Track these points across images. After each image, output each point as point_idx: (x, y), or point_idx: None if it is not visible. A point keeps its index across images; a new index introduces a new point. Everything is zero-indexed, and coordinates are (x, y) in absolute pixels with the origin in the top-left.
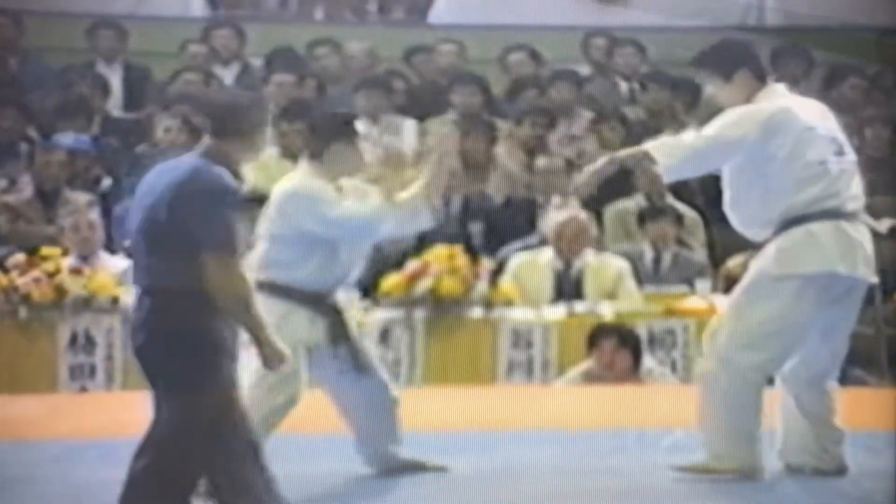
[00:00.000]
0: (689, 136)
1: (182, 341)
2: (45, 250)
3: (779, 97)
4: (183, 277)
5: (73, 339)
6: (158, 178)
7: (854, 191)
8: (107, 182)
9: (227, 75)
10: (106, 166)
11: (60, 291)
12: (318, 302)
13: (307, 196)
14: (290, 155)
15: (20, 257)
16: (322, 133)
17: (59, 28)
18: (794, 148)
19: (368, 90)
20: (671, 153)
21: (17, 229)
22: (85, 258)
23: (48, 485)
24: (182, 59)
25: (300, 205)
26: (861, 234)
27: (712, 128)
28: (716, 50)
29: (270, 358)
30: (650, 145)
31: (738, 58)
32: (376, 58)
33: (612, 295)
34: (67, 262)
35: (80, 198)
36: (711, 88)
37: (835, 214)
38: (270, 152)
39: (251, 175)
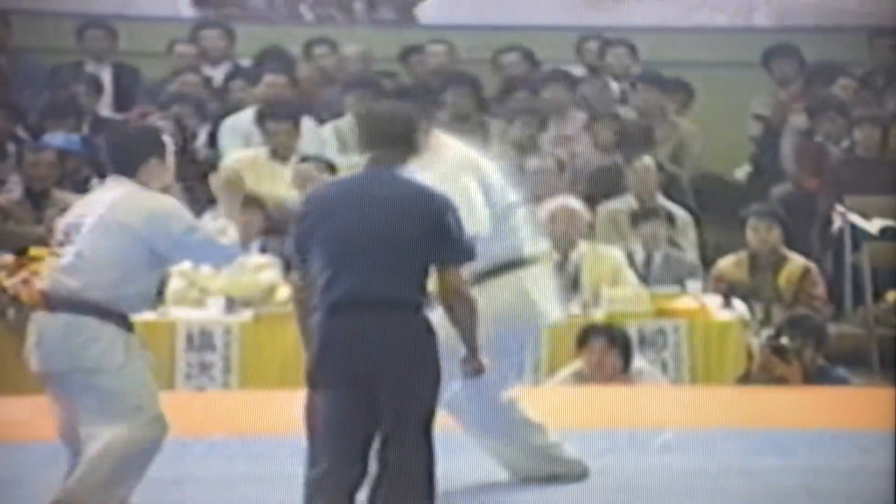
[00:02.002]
0: None
1: (421, 356)
2: (34, 251)
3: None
4: (413, 289)
5: None
6: (370, 191)
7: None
8: (96, 182)
9: (217, 75)
10: (95, 166)
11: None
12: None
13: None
14: (280, 156)
15: (8, 258)
16: (137, 149)
17: (47, 27)
18: None
19: (359, 91)
20: None
21: (5, 230)
22: None
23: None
24: (171, 60)
25: (159, 224)
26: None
27: None
28: None
29: (478, 367)
30: None
31: None
32: (368, 58)
33: (611, 285)
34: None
35: (70, 198)
36: None
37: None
38: (260, 152)
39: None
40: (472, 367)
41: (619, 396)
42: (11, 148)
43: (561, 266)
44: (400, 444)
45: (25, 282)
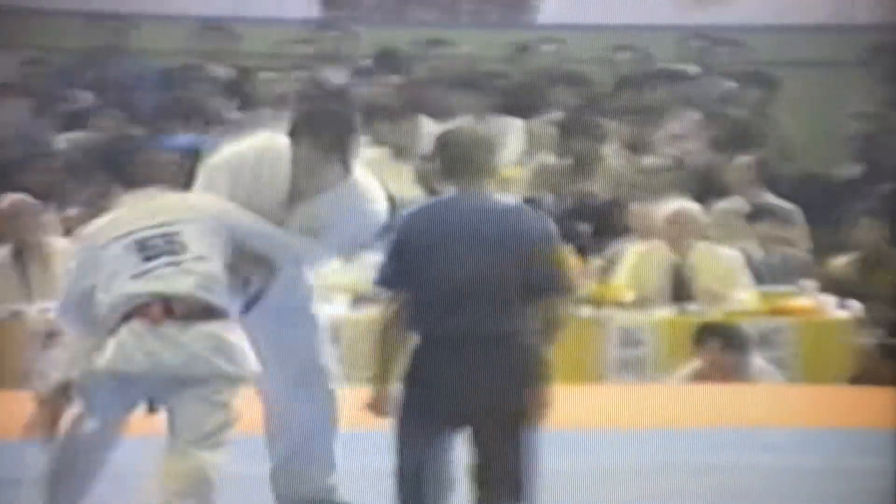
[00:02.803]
0: None
1: (532, 382)
2: None
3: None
4: (515, 320)
5: None
6: (468, 218)
7: None
8: None
9: (337, 77)
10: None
11: None
12: None
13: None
14: (403, 155)
15: None
16: None
17: (166, 30)
18: None
19: (470, 90)
20: None
21: None
22: None
23: None
24: (292, 61)
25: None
26: None
27: None
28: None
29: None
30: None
31: None
32: (480, 58)
33: (726, 287)
34: None
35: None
36: None
37: None
38: (382, 153)
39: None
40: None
41: (737, 395)
42: (127, 146)
43: (678, 267)
44: (488, 475)
45: None
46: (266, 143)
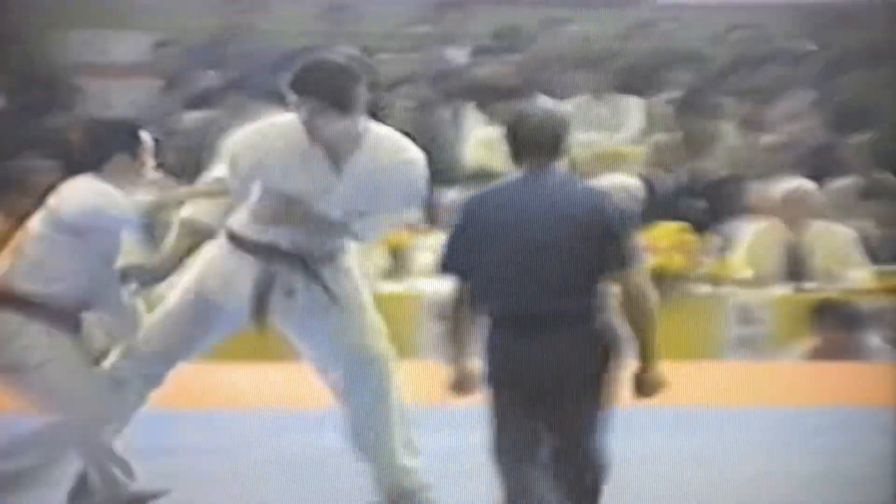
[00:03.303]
0: None
1: (591, 369)
2: None
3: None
4: (587, 299)
5: None
6: (536, 198)
7: None
8: None
9: (459, 56)
10: None
11: None
12: None
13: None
14: None
15: None
16: (103, 143)
17: (293, 11)
18: None
19: (588, 69)
20: None
21: None
22: None
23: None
24: (412, 41)
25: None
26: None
27: None
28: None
29: (657, 380)
30: None
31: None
32: (597, 36)
33: (842, 265)
34: None
35: None
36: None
37: None
38: (493, 131)
39: (474, 153)
40: (649, 381)
41: (852, 373)
42: None
43: (794, 245)
44: (566, 457)
45: None
46: (288, 118)
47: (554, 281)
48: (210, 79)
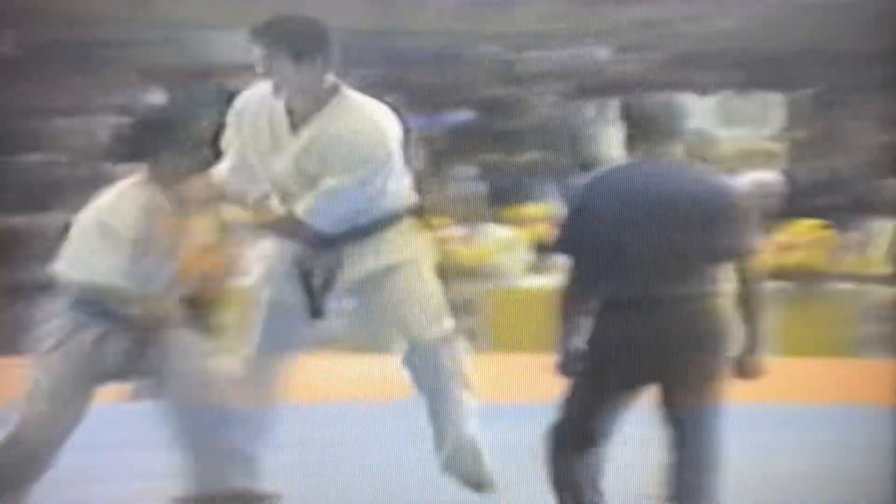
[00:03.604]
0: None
1: (709, 351)
2: (435, 220)
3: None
4: (704, 283)
5: (468, 305)
6: (653, 183)
7: None
8: (491, 156)
9: (603, 52)
10: (490, 140)
11: (449, 259)
12: None
13: None
14: None
15: None
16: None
17: (445, 8)
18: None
19: (729, 65)
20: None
21: None
22: (472, 227)
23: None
24: (557, 39)
25: None
26: None
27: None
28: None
29: (757, 368)
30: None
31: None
32: (737, 32)
33: None
34: (456, 231)
35: (467, 170)
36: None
37: None
38: None
39: (616, 149)
40: (752, 367)
41: None
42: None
43: None
44: (688, 435)
45: None
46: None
47: (668, 264)
48: (358, 78)
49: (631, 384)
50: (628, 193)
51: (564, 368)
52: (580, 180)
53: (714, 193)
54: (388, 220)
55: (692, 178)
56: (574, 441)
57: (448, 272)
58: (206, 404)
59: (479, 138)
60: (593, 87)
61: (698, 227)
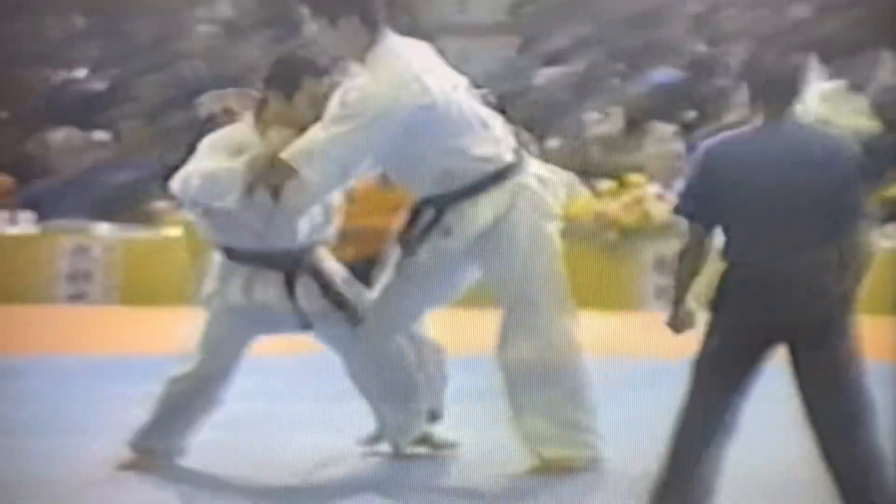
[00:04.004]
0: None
1: (839, 315)
2: (632, 177)
3: (395, 56)
4: (832, 249)
5: (659, 262)
6: (782, 144)
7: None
8: (690, 114)
9: (803, 10)
10: (691, 100)
11: (646, 216)
12: None
13: None
14: (857, 88)
15: (610, 184)
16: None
17: None
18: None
19: None
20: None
21: (608, 158)
22: (667, 185)
23: (635, 400)
24: None
25: None
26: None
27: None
28: None
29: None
30: (286, 153)
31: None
32: None
33: None
34: (652, 189)
35: (666, 129)
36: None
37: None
38: (839, 85)
39: (815, 107)
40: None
41: None
42: (614, 83)
43: None
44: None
45: (626, 206)
46: None
47: (793, 230)
48: (564, 38)
49: (756, 344)
50: (754, 156)
51: (676, 325)
52: (707, 143)
53: (834, 156)
54: (482, 183)
55: (815, 141)
56: (700, 404)
57: (645, 229)
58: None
59: (680, 97)
60: (792, 46)
61: (821, 190)
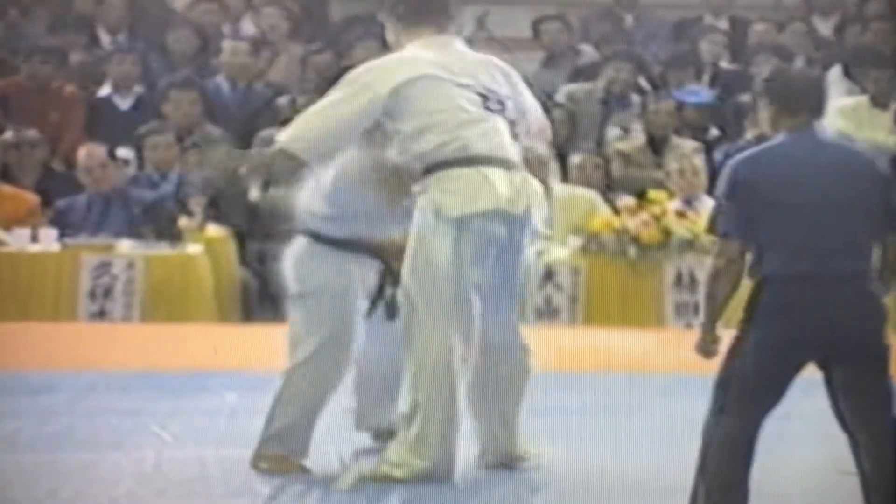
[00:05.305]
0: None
1: (876, 330)
2: (653, 194)
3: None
4: (865, 261)
5: (678, 278)
6: (813, 157)
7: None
8: (713, 132)
9: (825, 26)
10: (713, 116)
11: (666, 233)
12: None
13: None
14: (879, 103)
15: (630, 200)
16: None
17: None
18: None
19: None
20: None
21: (628, 174)
22: (689, 202)
23: (655, 415)
24: (787, 12)
25: None
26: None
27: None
28: None
29: None
30: (281, 136)
31: None
32: None
33: None
34: (673, 205)
35: (688, 144)
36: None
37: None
38: (862, 100)
39: (838, 121)
40: None
41: None
42: (636, 98)
43: None
44: (865, 416)
45: (646, 222)
46: None
47: (831, 241)
48: (591, 53)
49: (795, 360)
50: (786, 169)
51: (705, 350)
52: (736, 159)
53: (867, 168)
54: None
55: (844, 154)
56: (735, 424)
57: (665, 246)
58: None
59: (706, 112)
60: (816, 60)
61: (857, 201)
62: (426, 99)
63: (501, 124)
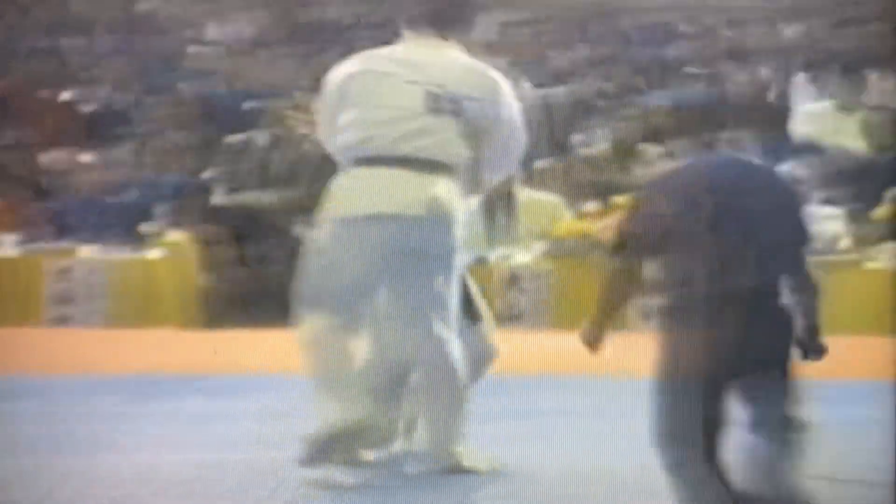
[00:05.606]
0: None
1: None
2: (618, 199)
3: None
4: (776, 277)
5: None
6: (741, 177)
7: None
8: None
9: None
10: (680, 121)
11: None
12: None
13: None
14: (845, 108)
15: (596, 206)
16: None
17: None
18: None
19: None
20: None
21: (595, 180)
22: None
23: (616, 419)
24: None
25: None
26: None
27: None
28: None
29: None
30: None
31: None
32: None
33: None
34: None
35: (653, 151)
36: None
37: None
38: (827, 105)
39: (804, 127)
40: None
41: None
42: (601, 104)
43: None
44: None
45: (608, 228)
46: None
47: (741, 258)
48: (564, 57)
49: (721, 376)
50: (698, 189)
51: (591, 341)
52: (654, 178)
53: (776, 184)
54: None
55: (755, 170)
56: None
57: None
58: None
59: (673, 118)
60: (781, 66)
61: (769, 217)
62: (364, 93)
63: (447, 124)
